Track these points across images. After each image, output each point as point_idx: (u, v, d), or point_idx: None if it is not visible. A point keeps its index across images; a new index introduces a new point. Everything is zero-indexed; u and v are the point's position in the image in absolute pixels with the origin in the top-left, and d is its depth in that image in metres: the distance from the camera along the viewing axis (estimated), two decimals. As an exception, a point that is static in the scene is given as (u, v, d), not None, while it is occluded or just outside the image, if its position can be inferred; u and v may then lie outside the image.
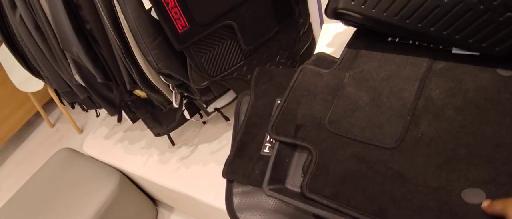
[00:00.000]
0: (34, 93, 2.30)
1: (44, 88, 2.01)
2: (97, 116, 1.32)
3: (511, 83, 0.49)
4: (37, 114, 2.58)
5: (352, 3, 0.57)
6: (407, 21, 0.52)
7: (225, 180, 0.71)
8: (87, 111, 1.38)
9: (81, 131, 2.30)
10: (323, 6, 0.83)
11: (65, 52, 0.85)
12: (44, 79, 1.16)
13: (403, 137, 0.50)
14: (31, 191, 1.38)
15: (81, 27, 0.79)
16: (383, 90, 0.54)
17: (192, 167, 1.04)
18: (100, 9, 0.72)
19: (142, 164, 1.16)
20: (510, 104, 0.47)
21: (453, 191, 0.44)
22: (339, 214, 0.49)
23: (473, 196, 0.42)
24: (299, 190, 0.55)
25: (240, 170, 0.68)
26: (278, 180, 0.59)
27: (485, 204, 0.41)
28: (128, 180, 1.29)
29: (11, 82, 2.26)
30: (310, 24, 1.02)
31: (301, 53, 1.04)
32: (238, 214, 0.66)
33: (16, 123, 2.46)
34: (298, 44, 1.02)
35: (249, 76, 0.92)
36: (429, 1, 0.50)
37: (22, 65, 1.18)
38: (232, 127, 1.09)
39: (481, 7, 0.47)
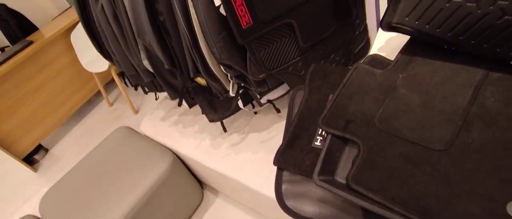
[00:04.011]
0: (97, 74, 2.56)
1: (107, 70, 2.24)
2: (156, 99, 1.47)
3: None
4: (98, 94, 2.86)
5: (406, 18, 0.61)
6: (461, 38, 0.56)
7: (272, 168, 0.78)
8: (146, 94, 1.53)
9: (136, 111, 2.52)
10: (381, 9, 0.87)
11: (138, 39, 0.97)
12: (114, 62, 1.31)
13: (453, 141, 0.54)
14: (91, 163, 1.56)
15: (155, 18, 0.91)
16: (436, 94, 0.57)
17: (241, 154, 1.13)
18: (175, 3, 0.83)
19: (194, 147, 1.27)
20: None
21: (498, 201, 0.47)
22: (384, 209, 0.53)
23: None
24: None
25: (291, 159, 0.75)
26: (328, 171, 0.65)
27: None
28: (179, 161, 1.42)
29: (79, 64, 2.55)
30: (365, 25, 1.05)
31: (355, 52, 1.08)
32: (285, 201, 0.73)
33: (78, 100, 2.75)
34: (353, 44, 1.06)
35: (303, 71, 0.98)
36: (482, 21, 0.52)
37: (96, 48, 1.35)
38: (282, 119, 1.17)
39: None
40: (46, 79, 2.54)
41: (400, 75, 0.64)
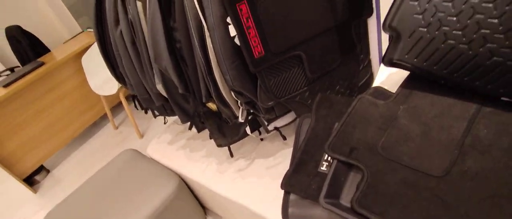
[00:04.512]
0: (105, 97, 2.65)
1: (115, 93, 2.32)
2: (165, 123, 1.53)
3: None
4: (103, 117, 2.93)
5: (406, 56, 0.69)
6: (455, 75, 0.63)
7: (277, 194, 0.83)
8: (155, 117, 1.60)
9: (142, 136, 2.58)
10: (383, 46, 0.95)
11: (155, 64, 1.05)
12: (127, 85, 1.39)
13: (450, 169, 0.59)
14: (96, 184, 1.59)
15: (172, 46, 0.99)
16: (433, 125, 0.63)
17: (247, 179, 1.17)
18: (193, 33, 0.91)
19: (201, 171, 1.32)
20: None
21: None
22: None
23: None
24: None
25: (297, 184, 0.80)
26: (333, 195, 0.70)
27: None
28: (184, 185, 1.46)
29: (86, 87, 2.64)
30: (369, 61, 1.13)
31: (359, 85, 1.15)
32: (290, 220, 0.77)
33: (84, 122, 2.82)
34: (357, 77, 1.13)
35: (309, 101, 1.04)
36: (473, 61, 0.59)
37: (110, 71, 1.43)
38: (287, 146, 1.22)
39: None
40: (54, 100, 2.62)
41: (400, 107, 0.70)
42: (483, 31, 0.57)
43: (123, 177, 1.57)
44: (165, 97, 1.27)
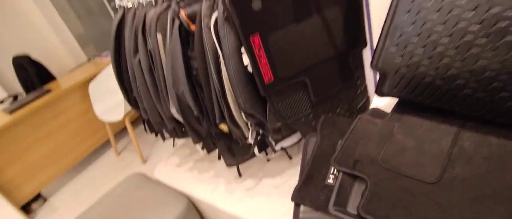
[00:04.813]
0: (109, 123, 2.73)
1: (120, 120, 2.41)
2: (174, 145, 1.62)
3: None
4: (104, 144, 3.00)
5: (394, 90, 0.82)
6: (438, 102, 0.75)
7: (285, 211, 0.92)
8: (164, 141, 1.69)
9: (145, 161, 2.64)
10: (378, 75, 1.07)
11: (172, 89, 1.15)
12: (140, 109, 1.49)
13: (441, 175, 0.69)
14: (103, 207, 1.63)
15: (190, 73, 1.10)
16: (425, 139, 0.74)
17: (256, 198, 1.25)
18: (209, 61, 1.03)
19: (210, 191, 1.40)
20: None
21: None
22: None
23: None
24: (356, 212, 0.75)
25: (307, 196, 0.89)
26: (341, 203, 0.79)
27: None
28: (193, 207, 1.53)
29: (90, 114, 2.73)
30: (366, 86, 1.26)
31: (358, 108, 1.27)
32: (302, 231, 0.86)
33: (86, 149, 2.87)
34: (356, 101, 1.25)
35: (313, 122, 1.15)
36: (449, 92, 0.72)
37: (124, 96, 1.54)
38: (293, 165, 1.32)
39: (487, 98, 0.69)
40: (58, 127, 2.69)
41: (396, 124, 0.81)
42: (453, 70, 0.70)
43: (131, 200, 1.62)
44: (176, 120, 1.37)
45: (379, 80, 0.85)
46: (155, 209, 1.51)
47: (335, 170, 0.90)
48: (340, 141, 0.95)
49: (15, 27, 3.23)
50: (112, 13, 3.07)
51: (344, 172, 0.82)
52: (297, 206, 0.90)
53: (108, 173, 2.74)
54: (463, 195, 0.66)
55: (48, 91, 2.63)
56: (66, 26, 3.47)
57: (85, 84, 2.72)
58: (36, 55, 3.08)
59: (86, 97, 2.73)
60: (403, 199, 0.71)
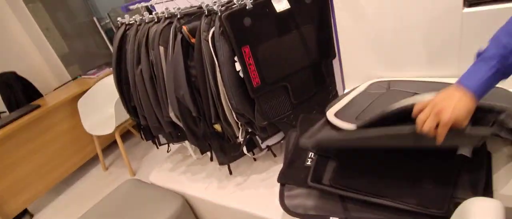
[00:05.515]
0: (98, 138, 2.87)
1: (106, 135, 2.54)
2: (168, 151, 1.80)
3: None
4: (92, 160, 3.10)
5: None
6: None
7: (272, 199, 1.13)
8: (158, 148, 1.87)
9: (134, 174, 2.77)
10: (345, 82, 1.34)
11: (173, 94, 1.36)
12: (138, 117, 1.68)
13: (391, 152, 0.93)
14: (101, 211, 1.76)
15: (190, 79, 1.31)
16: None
17: (245, 191, 1.45)
18: (207, 68, 1.25)
19: (203, 189, 1.57)
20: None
21: (420, 184, 0.85)
22: (352, 193, 0.91)
23: None
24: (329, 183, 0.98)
25: (289, 176, 1.11)
26: (317, 178, 1.02)
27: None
28: (188, 205, 1.69)
29: (78, 130, 2.85)
30: (336, 91, 1.51)
31: (332, 111, 1.51)
32: (286, 203, 1.06)
33: (73, 164, 2.96)
34: (329, 103, 1.50)
35: (294, 122, 1.38)
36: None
37: (123, 105, 1.72)
38: (277, 163, 1.54)
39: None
40: (45, 143, 2.77)
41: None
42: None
43: (127, 202, 1.76)
44: (173, 125, 1.57)
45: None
46: (152, 208, 1.66)
47: (312, 154, 1.13)
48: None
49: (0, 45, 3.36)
50: (102, 32, 3.26)
51: (319, 155, 1.05)
52: (282, 185, 1.11)
53: (96, 188, 2.82)
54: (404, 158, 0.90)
55: (38, 106, 2.75)
56: (51, 46, 3.62)
57: (73, 100, 2.85)
58: (24, 73, 3.19)
59: (74, 113, 2.85)
60: (361, 169, 0.95)
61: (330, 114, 1.06)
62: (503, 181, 0.85)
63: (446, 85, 1.02)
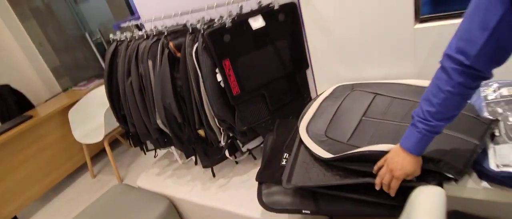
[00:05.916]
0: (87, 146, 2.95)
1: (95, 144, 2.62)
2: (155, 156, 1.92)
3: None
4: (80, 167, 3.17)
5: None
6: None
7: (251, 199, 1.25)
8: (145, 154, 1.98)
9: (121, 180, 2.86)
10: (317, 87, 1.49)
11: (160, 102, 1.48)
12: (128, 125, 1.79)
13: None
14: (90, 215, 1.87)
15: (176, 88, 1.44)
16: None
17: (227, 192, 1.57)
18: (191, 79, 1.38)
19: (188, 191, 1.69)
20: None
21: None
22: (321, 189, 1.04)
23: None
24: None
25: (267, 175, 1.24)
26: (290, 178, 1.14)
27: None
28: (173, 206, 1.80)
29: (67, 139, 2.93)
30: (310, 99, 1.65)
31: (307, 117, 1.65)
32: (264, 200, 1.18)
33: (62, 172, 3.02)
34: (303, 110, 1.64)
35: (271, 127, 1.51)
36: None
37: (114, 114, 1.84)
38: (257, 166, 1.66)
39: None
40: (36, 151, 2.85)
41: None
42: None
43: (115, 206, 1.85)
44: (160, 131, 1.69)
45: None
46: (139, 211, 1.76)
47: (287, 155, 1.26)
48: (289, 137, 1.32)
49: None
50: (93, 47, 3.37)
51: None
52: (260, 184, 1.24)
53: (84, 194, 2.89)
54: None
55: (30, 117, 2.83)
56: (43, 59, 3.71)
57: (64, 111, 2.94)
58: (18, 85, 3.27)
59: (64, 123, 2.94)
60: (316, 170, 1.08)
61: (303, 129, 1.21)
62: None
63: (401, 85, 1.20)
